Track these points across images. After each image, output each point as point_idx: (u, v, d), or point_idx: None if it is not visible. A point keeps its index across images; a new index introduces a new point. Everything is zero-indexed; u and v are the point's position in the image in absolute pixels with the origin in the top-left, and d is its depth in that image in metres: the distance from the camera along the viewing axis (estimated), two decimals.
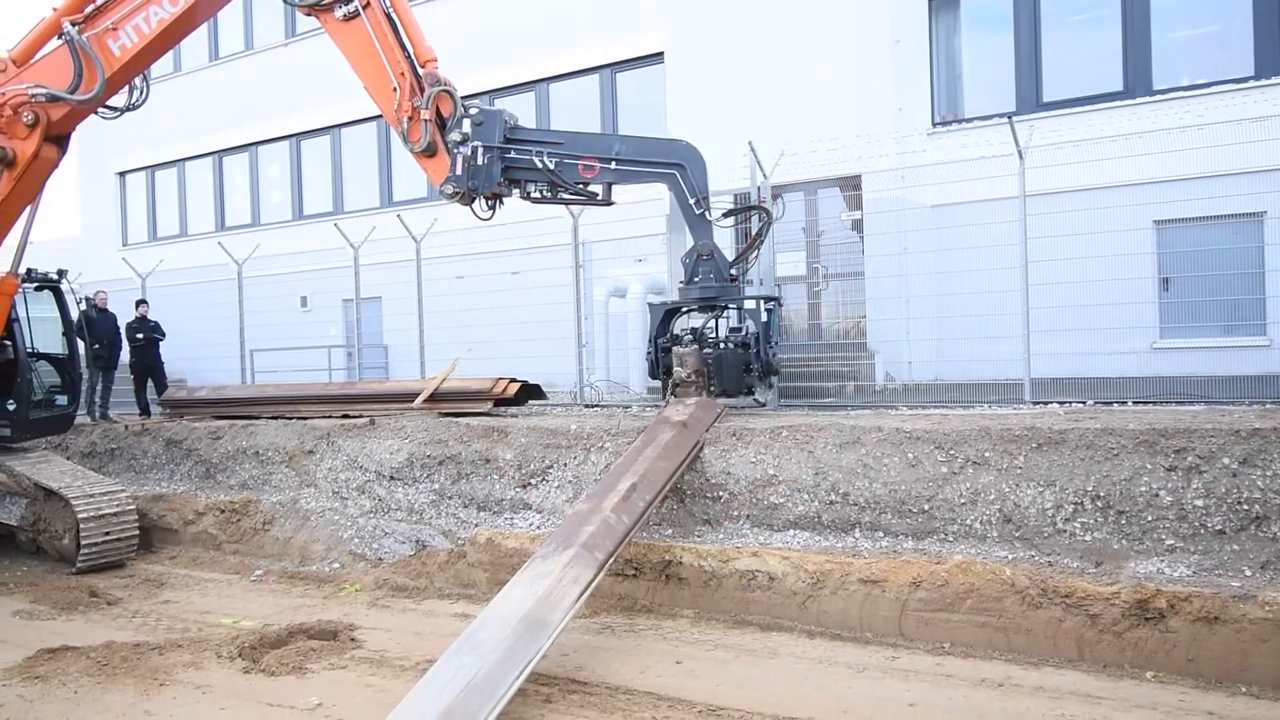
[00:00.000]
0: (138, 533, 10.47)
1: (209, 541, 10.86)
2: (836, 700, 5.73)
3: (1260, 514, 6.47)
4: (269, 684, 6.42)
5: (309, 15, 9.49)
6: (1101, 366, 10.35)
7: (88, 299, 12.60)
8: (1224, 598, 5.87)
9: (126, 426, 13.72)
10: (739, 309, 9.83)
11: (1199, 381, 9.89)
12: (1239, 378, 9.50)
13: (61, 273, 11.95)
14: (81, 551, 9.95)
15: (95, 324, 14.04)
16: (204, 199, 22.53)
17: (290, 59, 20.15)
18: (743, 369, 9.45)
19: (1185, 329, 11.00)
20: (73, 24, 9.01)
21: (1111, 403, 9.45)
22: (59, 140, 9.59)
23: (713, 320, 9.81)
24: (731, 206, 10.66)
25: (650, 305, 10.42)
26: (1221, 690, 5.68)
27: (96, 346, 13.98)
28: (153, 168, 23.29)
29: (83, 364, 12.36)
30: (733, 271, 9.47)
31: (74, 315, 12.25)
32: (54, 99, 9.08)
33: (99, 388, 14.53)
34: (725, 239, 10.18)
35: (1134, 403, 9.30)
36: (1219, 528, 6.56)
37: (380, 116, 11.46)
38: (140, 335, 14.80)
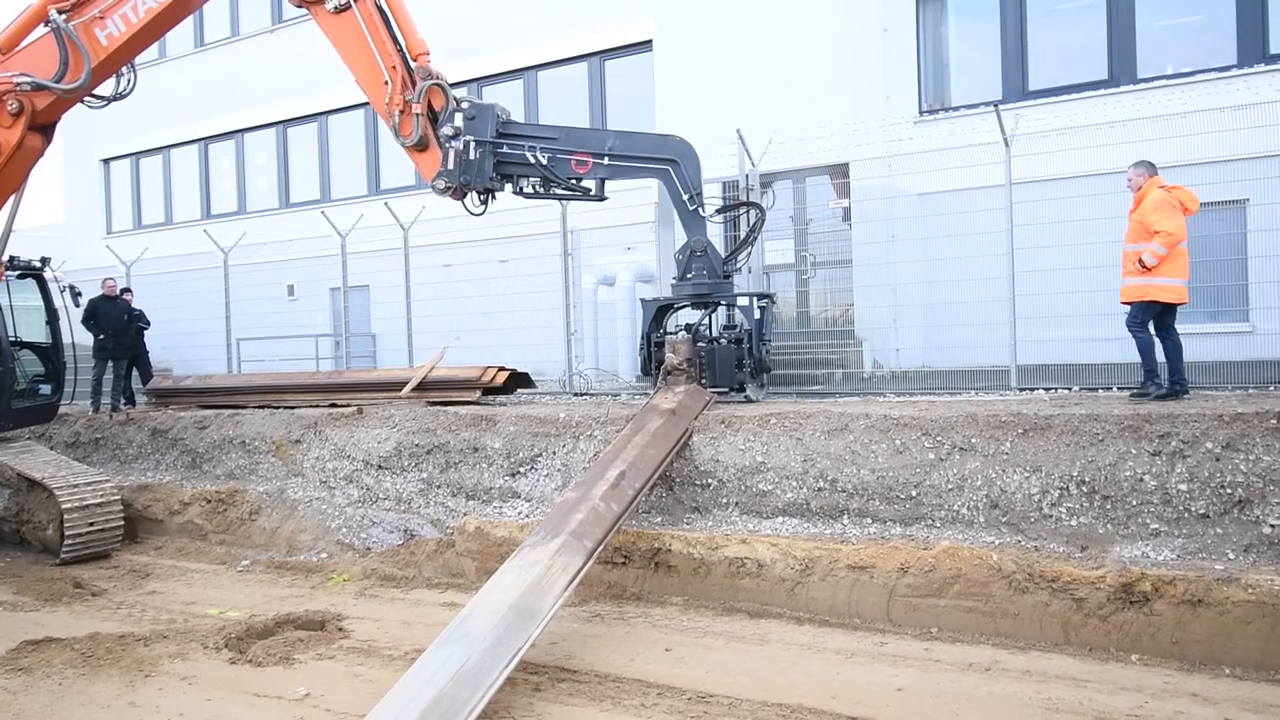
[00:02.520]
0: (123, 523, 10.39)
1: (195, 532, 10.80)
2: (825, 686, 5.75)
3: (1243, 498, 6.53)
4: (256, 674, 6.40)
5: (299, 6, 9.40)
6: (1087, 353, 10.40)
7: (71, 287, 12.47)
8: (1208, 581, 5.92)
9: (111, 415, 13.63)
10: (731, 306, 9.82)
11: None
12: (1222, 363, 9.58)
13: (45, 260, 11.85)
14: (65, 542, 9.88)
15: (102, 312, 13.81)
16: (189, 186, 22.35)
17: (277, 46, 19.99)
18: (735, 364, 9.46)
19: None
20: (59, 11, 8.88)
21: (1097, 389, 9.51)
22: (44, 129, 9.46)
23: (706, 317, 9.81)
24: (723, 201, 10.67)
25: (643, 301, 10.40)
26: (1205, 672, 5.74)
27: (102, 337, 13.78)
28: (137, 155, 23.08)
29: (65, 354, 12.20)
30: (726, 268, 9.47)
31: (57, 303, 12.11)
32: (39, 87, 8.96)
33: (111, 377, 14.25)
34: (716, 230, 10.18)
35: (1119, 389, 9.37)
36: (1203, 512, 6.61)
37: (368, 103, 11.40)
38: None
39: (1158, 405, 7.78)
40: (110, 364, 14.10)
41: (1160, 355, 8.40)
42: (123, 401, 14.49)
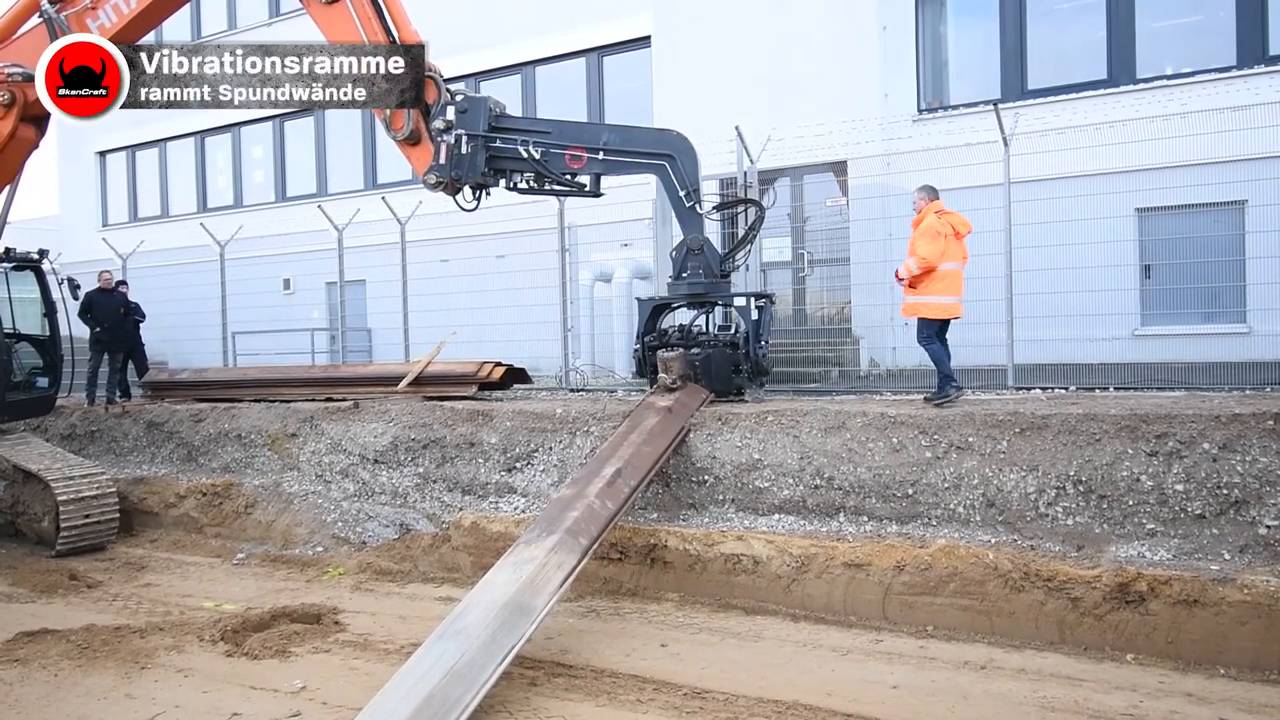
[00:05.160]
0: (118, 516, 10.37)
1: (190, 525, 10.79)
2: (821, 683, 5.76)
3: (1239, 498, 6.54)
4: (251, 667, 6.39)
5: None
6: (1084, 353, 10.42)
7: (70, 279, 12.41)
8: (1203, 581, 5.93)
9: (107, 408, 13.60)
10: (728, 306, 9.68)
11: (1180, 368, 9.98)
12: (1219, 364, 9.61)
13: (42, 253, 11.80)
14: (61, 534, 9.87)
15: (98, 305, 13.67)
16: (186, 180, 22.32)
17: (273, 39, 19.93)
18: (732, 370, 9.24)
19: (1166, 316, 11.09)
20: (51, 2, 8.86)
21: (1094, 388, 9.53)
22: (37, 120, 9.41)
23: (702, 317, 9.63)
24: (720, 197, 10.57)
25: (639, 300, 10.22)
26: (1200, 672, 5.75)
27: (98, 329, 13.72)
28: (133, 147, 23.04)
29: (63, 346, 12.16)
30: (723, 267, 9.35)
31: (55, 296, 12.06)
32: (31, 79, 8.89)
33: (106, 370, 14.14)
34: (713, 228, 10.14)
35: (1116, 388, 9.39)
36: (1199, 512, 6.62)
37: None
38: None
39: (1155, 406, 7.79)
40: (106, 356, 14.03)
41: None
42: (119, 394, 14.42)
